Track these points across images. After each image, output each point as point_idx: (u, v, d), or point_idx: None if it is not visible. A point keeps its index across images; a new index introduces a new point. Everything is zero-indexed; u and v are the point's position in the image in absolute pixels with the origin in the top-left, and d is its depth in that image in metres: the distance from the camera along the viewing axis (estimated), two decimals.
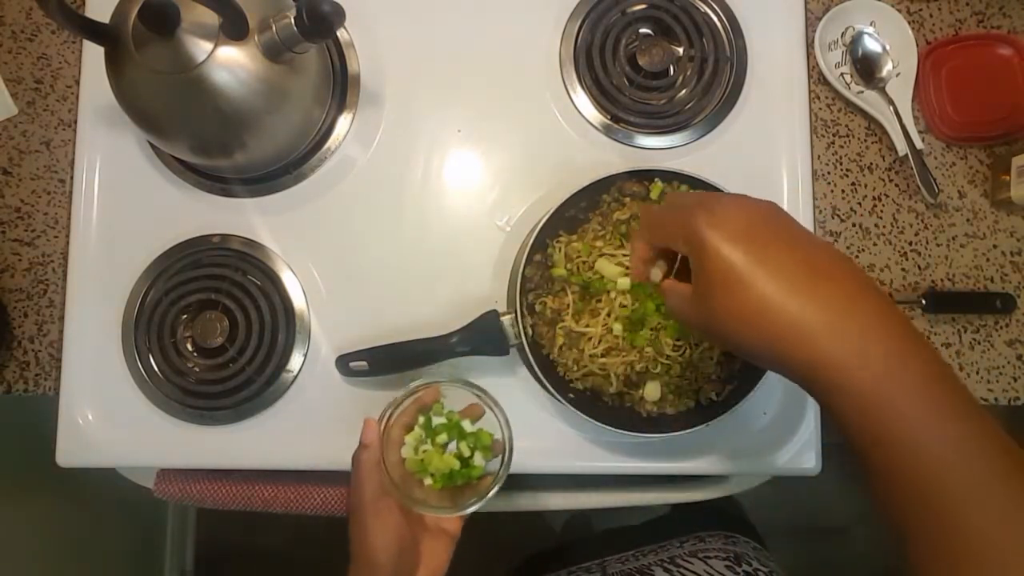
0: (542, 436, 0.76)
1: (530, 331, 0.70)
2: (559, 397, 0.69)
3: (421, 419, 0.63)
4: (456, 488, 0.63)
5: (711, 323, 0.42)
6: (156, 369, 0.76)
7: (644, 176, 0.72)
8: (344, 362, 0.72)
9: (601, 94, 0.80)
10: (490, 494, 0.60)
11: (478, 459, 0.62)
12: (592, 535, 1.04)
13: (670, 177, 0.72)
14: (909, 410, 0.37)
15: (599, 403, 0.71)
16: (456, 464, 0.61)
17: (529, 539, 1.02)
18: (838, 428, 0.39)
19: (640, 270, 0.51)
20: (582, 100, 0.80)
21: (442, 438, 0.62)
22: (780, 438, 0.77)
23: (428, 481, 0.62)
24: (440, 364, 0.71)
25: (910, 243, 0.82)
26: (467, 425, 0.63)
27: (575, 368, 0.70)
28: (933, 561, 0.37)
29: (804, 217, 0.79)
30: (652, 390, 0.70)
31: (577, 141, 0.80)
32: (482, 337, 0.69)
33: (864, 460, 0.38)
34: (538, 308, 0.71)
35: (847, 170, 0.82)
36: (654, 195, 0.72)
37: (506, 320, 0.69)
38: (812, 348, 0.38)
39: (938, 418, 0.37)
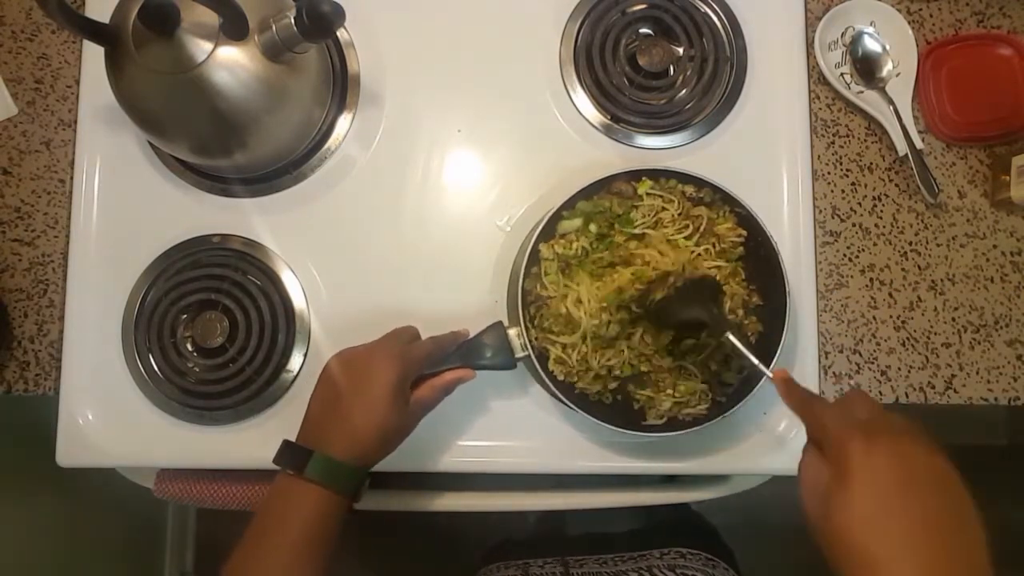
0: (545, 437, 0.76)
1: (535, 342, 0.69)
2: (574, 407, 0.68)
3: None
4: None
5: (825, 517, 0.45)
6: (156, 369, 0.76)
7: (635, 176, 0.72)
8: None
9: (601, 94, 0.80)
10: None
11: None
12: (566, 535, 1.04)
13: (658, 175, 0.72)
14: None
15: (606, 405, 0.72)
16: None
17: (504, 531, 1.02)
18: None
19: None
20: (582, 100, 0.80)
21: None
22: (780, 438, 0.77)
23: None
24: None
25: (910, 243, 0.82)
26: None
27: (582, 374, 0.70)
28: None
29: (804, 217, 0.79)
30: (658, 391, 0.70)
31: (577, 141, 0.80)
32: (488, 351, 0.68)
33: None
34: (537, 321, 0.71)
35: (847, 170, 0.82)
36: (641, 192, 0.72)
37: (512, 333, 0.68)
38: None
39: None
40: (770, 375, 0.56)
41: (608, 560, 0.85)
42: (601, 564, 0.85)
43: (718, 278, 0.70)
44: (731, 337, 0.61)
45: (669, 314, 0.65)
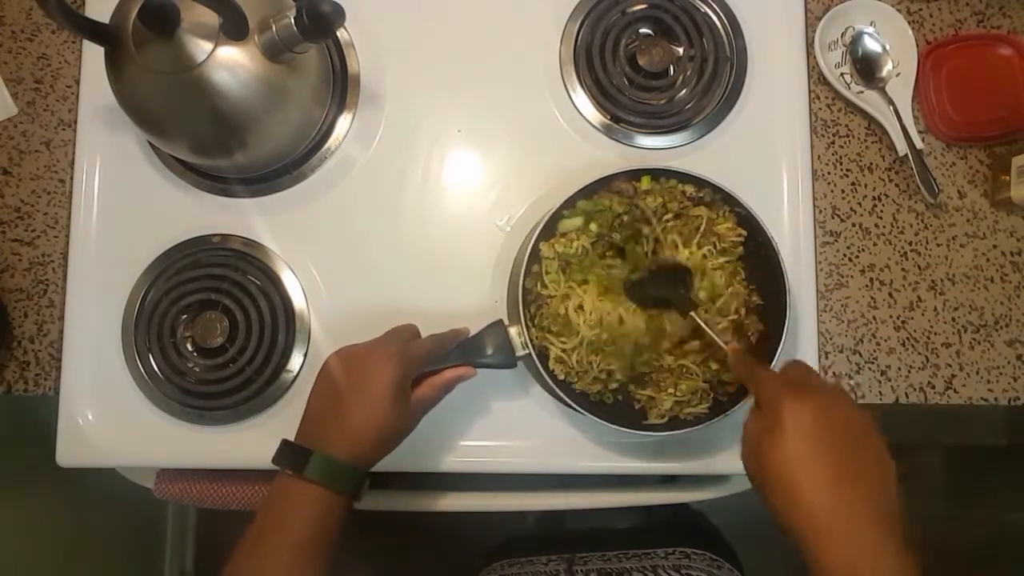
0: (546, 437, 0.76)
1: (535, 341, 0.69)
2: (575, 407, 0.68)
3: None
4: None
5: (757, 461, 0.53)
6: (156, 369, 0.76)
7: (635, 176, 0.72)
8: None
9: (601, 94, 0.80)
10: None
11: None
12: (568, 533, 1.04)
13: (659, 174, 0.72)
14: None
15: (607, 405, 0.72)
16: None
17: (504, 531, 1.02)
18: None
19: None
20: (582, 100, 0.80)
21: None
22: None
23: None
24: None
25: (910, 243, 0.82)
26: None
27: (582, 374, 0.70)
28: None
29: (804, 217, 0.79)
30: (659, 390, 0.70)
31: (577, 141, 0.80)
32: (489, 350, 0.68)
33: None
34: (538, 320, 0.71)
35: (847, 170, 0.82)
36: (643, 188, 0.72)
37: (512, 331, 0.68)
38: (818, 539, 0.49)
39: None
40: (725, 347, 0.64)
41: (612, 557, 0.85)
42: (605, 561, 0.85)
43: (722, 276, 0.71)
44: (694, 316, 0.66)
45: (643, 291, 0.70)
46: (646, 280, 0.70)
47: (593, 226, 0.71)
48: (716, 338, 0.64)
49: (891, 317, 0.81)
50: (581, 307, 0.69)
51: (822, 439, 0.51)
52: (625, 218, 0.71)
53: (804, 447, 0.51)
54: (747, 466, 0.55)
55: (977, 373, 0.80)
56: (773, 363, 0.68)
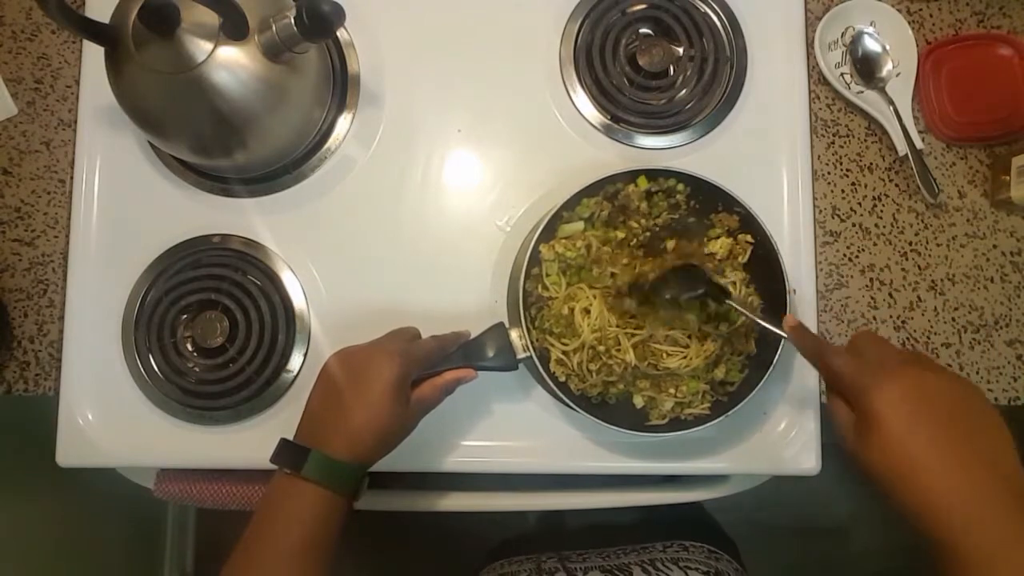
0: (547, 437, 0.76)
1: (536, 343, 0.69)
2: (576, 408, 0.68)
3: None
4: None
5: (864, 458, 0.50)
6: (156, 369, 0.76)
7: (634, 177, 0.72)
8: None
9: (601, 94, 0.80)
10: None
11: None
12: (568, 529, 1.04)
13: (658, 174, 0.71)
14: None
15: (608, 406, 0.72)
16: None
17: (504, 530, 1.02)
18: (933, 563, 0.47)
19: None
20: (582, 100, 0.80)
21: None
22: (780, 438, 0.77)
23: None
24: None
25: (910, 243, 0.82)
26: None
27: (583, 376, 0.70)
28: None
29: (804, 217, 0.79)
30: (660, 391, 0.70)
31: (577, 141, 0.80)
32: (490, 352, 0.68)
33: None
34: (538, 322, 0.71)
35: (847, 170, 0.82)
36: (641, 188, 0.72)
37: (513, 334, 0.68)
38: (944, 518, 0.46)
39: None
40: (783, 334, 0.59)
41: (611, 553, 0.85)
42: (604, 557, 0.85)
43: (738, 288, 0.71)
44: (733, 303, 0.64)
45: (666, 292, 0.67)
46: (667, 282, 0.67)
47: (593, 231, 0.71)
48: (768, 325, 0.61)
49: (891, 317, 0.81)
50: (587, 311, 0.69)
51: (921, 420, 0.48)
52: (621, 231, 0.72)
53: (903, 433, 0.48)
54: (855, 461, 0.52)
55: (977, 373, 0.80)
56: (772, 365, 0.68)
